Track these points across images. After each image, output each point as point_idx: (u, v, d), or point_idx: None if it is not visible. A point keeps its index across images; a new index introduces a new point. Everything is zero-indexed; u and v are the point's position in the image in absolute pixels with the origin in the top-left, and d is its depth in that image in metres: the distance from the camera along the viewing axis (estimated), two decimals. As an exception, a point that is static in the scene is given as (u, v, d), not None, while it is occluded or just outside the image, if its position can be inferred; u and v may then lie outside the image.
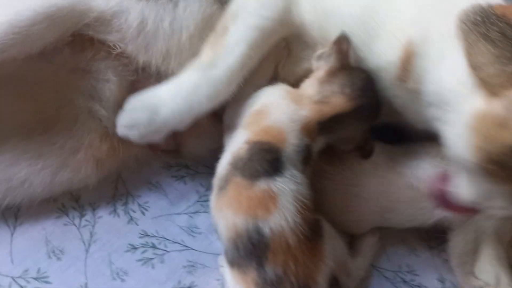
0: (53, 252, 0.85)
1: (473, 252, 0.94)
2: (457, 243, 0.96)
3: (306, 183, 0.77)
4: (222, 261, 0.87)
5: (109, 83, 0.88)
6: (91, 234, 0.89)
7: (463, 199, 0.78)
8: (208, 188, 0.97)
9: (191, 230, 0.94)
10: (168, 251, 0.90)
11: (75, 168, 0.87)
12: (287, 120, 0.78)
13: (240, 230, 0.72)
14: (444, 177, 0.84)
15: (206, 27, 0.88)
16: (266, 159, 0.75)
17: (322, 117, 0.79)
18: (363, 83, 0.80)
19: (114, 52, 0.86)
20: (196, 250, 0.91)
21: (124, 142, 0.88)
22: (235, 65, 0.82)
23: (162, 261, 0.89)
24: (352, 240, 0.93)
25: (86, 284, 0.84)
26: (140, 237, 0.90)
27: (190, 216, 0.95)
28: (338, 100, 0.79)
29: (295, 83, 0.87)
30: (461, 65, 0.71)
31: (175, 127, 0.83)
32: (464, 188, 0.77)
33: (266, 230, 0.71)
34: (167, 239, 0.91)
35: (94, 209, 0.91)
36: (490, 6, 0.71)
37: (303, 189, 0.76)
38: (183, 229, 0.93)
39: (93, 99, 0.89)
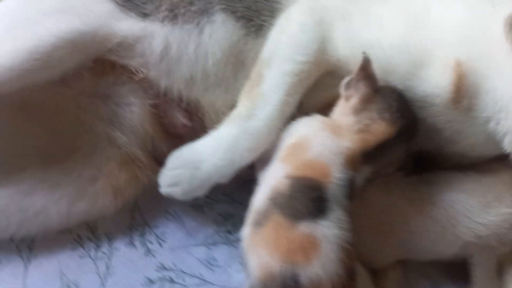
0: (68, 286, 0.83)
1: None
2: (480, 281, 0.94)
3: (349, 224, 0.74)
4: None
5: (130, 106, 0.86)
6: (107, 267, 0.86)
7: None
8: (227, 218, 0.96)
9: (210, 263, 0.91)
10: (186, 286, 0.87)
11: (93, 198, 0.85)
12: (329, 153, 0.75)
13: (274, 273, 0.68)
14: None
15: (233, 53, 0.86)
16: (309, 198, 0.71)
17: (366, 147, 0.76)
18: (399, 104, 0.78)
19: (136, 78, 0.84)
20: (215, 285, 0.89)
21: (144, 171, 0.86)
22: (274, 114, 0.80)
23: (180, 296, 0.87)
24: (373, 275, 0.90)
25: (102, 321, 0.82)
26: (157, 270, 0.88)
27: (209, 248, 0.92)
28: (379, 126, 0.76)
29: (319, 113, 0.84)
30: None
31: (217, 181, 0.82)
32: None
33: (303, 279, 0.67)
34: (185, 273, 0.89)
35: (110, 240, 0.89)
36: None
37: (347, 234, 0.72)
38: (201, 262, 0.91)
39: (113, 124, 0.87)
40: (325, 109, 0.85)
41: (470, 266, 0.93)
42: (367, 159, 0.77)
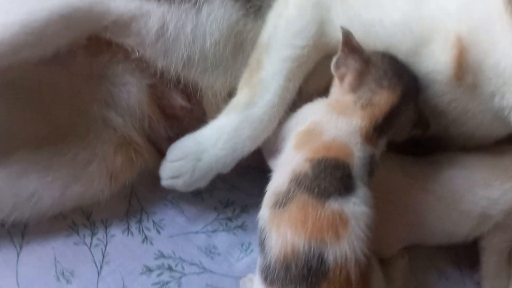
0: (63, 274, 0.79)
1: (508, 276, 0.91)
2: (490, 267, 0.93)
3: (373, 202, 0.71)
4: (245, 284, 0.82)
5: (127, 86, 0.84)
6: (103, 255, 0.83)
7: None
8: (227, 205, 0.93)
9: (210, 251, 0.88)
10: (185, 274, 0.84)
11: (87, 181, 0.82)
12: (346, 133, 0.73)
13: (297, 252, 0.65)
14: None
15: (232, 34, 0.84)
16: (336, 176, 0.69)
17: (377, 120, 0.74)
18: (393, 67, 0.77)
19: (132, 57, 0.82)
20: (215, 273, 0.86)
21: (140, 154, 0.84)
22: (275, 101, 0.80)
23: (179, 285, 0.83)
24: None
25: (98, 310, 0.78)
26: (156, 258, 0.85)
27: (208, 236, 0.89)
28: (381, 96, 0.75)
29: (321, 97, 0.82)
30: None
31: (219, 171, 0.81)
32: None
33: (330, 258, 0.65)
34: (184, 261, 0.86)
35: (106, 227, 0.85)
36: None
37: (373, 212, 0.70)
38: (201, 250, 0.88)
39: (109, 106, 0.85)
40: (326, 93, 0.83)
41: (480, 251, 0.92)
42: (379, 131, 0.75)
